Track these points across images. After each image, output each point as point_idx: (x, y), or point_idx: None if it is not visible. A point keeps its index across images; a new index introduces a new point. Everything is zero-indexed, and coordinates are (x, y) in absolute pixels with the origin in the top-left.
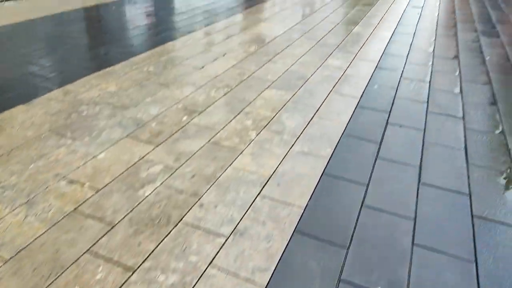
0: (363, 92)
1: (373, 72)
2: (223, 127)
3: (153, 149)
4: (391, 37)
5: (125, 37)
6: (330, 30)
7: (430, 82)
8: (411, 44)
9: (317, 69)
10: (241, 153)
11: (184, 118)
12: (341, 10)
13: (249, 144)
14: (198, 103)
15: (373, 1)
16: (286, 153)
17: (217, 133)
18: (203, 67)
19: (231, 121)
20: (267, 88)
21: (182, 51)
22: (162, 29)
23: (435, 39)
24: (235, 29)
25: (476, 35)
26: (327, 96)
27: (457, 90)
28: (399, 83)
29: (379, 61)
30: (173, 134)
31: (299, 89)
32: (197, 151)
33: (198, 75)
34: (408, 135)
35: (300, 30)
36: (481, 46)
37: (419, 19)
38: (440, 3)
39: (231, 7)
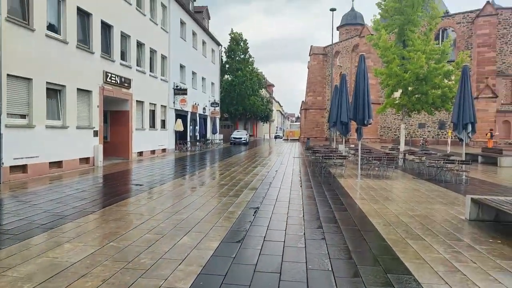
0: None
1: None
2: None
3: None
4: (215, 249)
5: None
6: (153, 243)
7: None
8: (255, 266)
9: None
10: None
11: None
12: (179, 216)
13: None
14: None
15: (218, 203)
16: None
17: None
18: None
19: None
20: None
21: None
22: None
23: (281, 262)
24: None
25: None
26: None
27: None
28: None
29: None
30: None
31: None
32: None
33: None
34: None
35: (115, 248)
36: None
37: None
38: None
39: (59, 217)
